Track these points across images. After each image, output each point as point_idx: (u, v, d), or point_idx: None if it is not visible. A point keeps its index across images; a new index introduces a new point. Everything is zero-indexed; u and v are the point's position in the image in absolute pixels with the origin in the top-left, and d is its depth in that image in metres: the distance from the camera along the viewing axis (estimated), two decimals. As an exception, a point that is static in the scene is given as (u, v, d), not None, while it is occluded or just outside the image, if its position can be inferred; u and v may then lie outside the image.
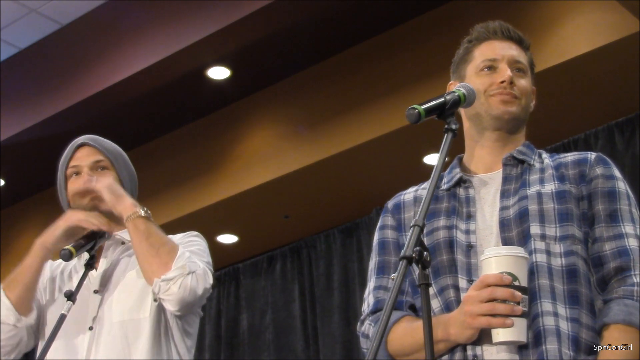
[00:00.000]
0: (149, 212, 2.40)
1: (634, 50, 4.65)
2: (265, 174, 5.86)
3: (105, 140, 2.63)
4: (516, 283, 1.81)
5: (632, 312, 1.87)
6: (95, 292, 2.45)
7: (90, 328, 2.40)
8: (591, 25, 4.78)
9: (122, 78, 5.63)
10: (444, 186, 2.10)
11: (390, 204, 2.18)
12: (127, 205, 2.39)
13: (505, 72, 2.08)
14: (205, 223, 6.31)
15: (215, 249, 6.71)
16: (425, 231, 1.85)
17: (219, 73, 5.77)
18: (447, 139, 1.88)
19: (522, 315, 1.81)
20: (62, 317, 2.29)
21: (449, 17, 5.26)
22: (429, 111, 1.87)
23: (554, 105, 5.01)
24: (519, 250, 1.86)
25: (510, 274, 1.82)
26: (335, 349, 6.11)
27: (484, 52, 2.13)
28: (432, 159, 5.61)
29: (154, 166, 6.45)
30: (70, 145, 2.59)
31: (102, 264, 2.49)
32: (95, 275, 2.48)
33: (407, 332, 1.96)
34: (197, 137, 6.30)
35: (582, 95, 5.07)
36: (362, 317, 2.10)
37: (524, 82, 2.11)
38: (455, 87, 1.98)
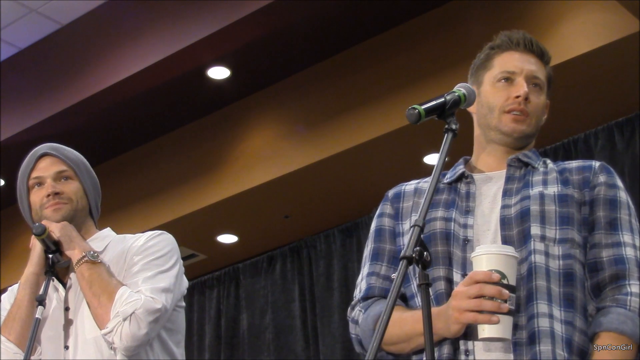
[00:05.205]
0: (97, 255, 2.38)
1: (634, 50, 4.65)
2: (265, 174, 5.86)
3: (67, 148, 2.57)
4: (505, 281, 1.83)
5: (625, 321, 1.90)
6: (67, 309, 2.42)
7: (67, 347, 2.38)
8: (591, 25, 4.77)
9: (122, 78, 5.63)
10: (446, 180, 2.12)
11: (390, 192, 2.21)
12: (75, 251, 2.38)
13: (522, 88, 2.10)
14: (205, 223, 6.32)
15: (215, 249, 6.76)
16: None
17: (219, 73, 5.77)
18: (447, 139, 1.88)
19: (509, 313, 1.83)
20: (37, 321, 2.29)
21: (448, 17, 5.25)
22: (429, 111, 1.88)
23: (554, 105, 4.99)
24: (509, 249, 1.88)
25: (499, 271, 1.83)
26: (335, 349, 6.10)
27: (503, 62, 2.14)
28: (432, 159, 5.60)
29: (154, 166, 6.46)
30: (30, 155, 2.54)
31: (73, 279, 2.45)
32: (64, 292, 2.45)
33: (394, 322, 1.95)
34: (197, 137, 6.30)
35: (582, 95, 5.07)
36: (353, 303, 2.12)
37: (539, 99, 2.14)
38: (456, 87, 1.98)
